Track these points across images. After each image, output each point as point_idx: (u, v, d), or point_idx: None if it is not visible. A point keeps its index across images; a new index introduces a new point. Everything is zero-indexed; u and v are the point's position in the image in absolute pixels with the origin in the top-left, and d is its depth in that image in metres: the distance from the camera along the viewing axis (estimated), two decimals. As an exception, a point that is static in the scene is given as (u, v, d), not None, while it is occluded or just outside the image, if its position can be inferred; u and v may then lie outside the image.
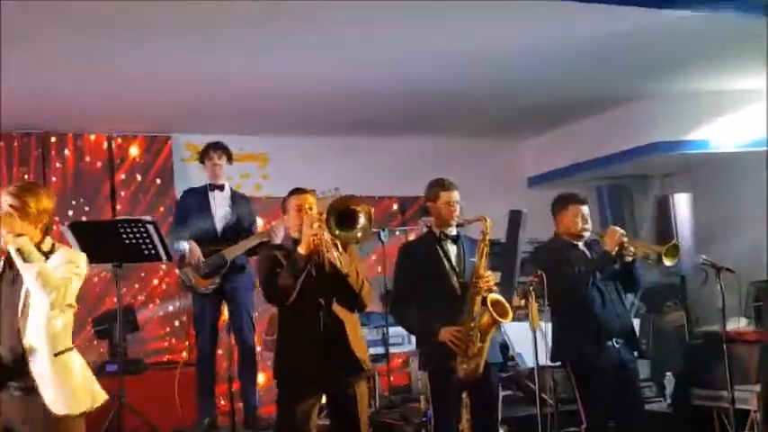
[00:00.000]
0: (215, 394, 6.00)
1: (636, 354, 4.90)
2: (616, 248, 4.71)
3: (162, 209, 7.71)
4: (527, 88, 7.09)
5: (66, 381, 3.49)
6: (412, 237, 6.90)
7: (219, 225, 5.91)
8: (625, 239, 4.72)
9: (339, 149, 8.31)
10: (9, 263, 3.55)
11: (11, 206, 3.52)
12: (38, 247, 3.53)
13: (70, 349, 3.56)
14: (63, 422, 3.45)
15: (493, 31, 5.69)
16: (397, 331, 6.10)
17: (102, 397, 3.66)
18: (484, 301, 4.28)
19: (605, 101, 7.72)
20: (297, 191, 4.24)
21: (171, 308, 7.62)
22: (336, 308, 4.07)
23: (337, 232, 3.91)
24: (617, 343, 4.74)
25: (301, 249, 3.94)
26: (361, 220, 3.95)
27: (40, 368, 3.43)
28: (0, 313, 3.51)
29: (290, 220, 4.21)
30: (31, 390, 3.43)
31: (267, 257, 4.15)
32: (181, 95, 6.82)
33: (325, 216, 3.90)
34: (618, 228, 4.82)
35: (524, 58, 6.27)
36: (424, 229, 6.31)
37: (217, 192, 5.96)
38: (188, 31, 5.40)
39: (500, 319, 4.26)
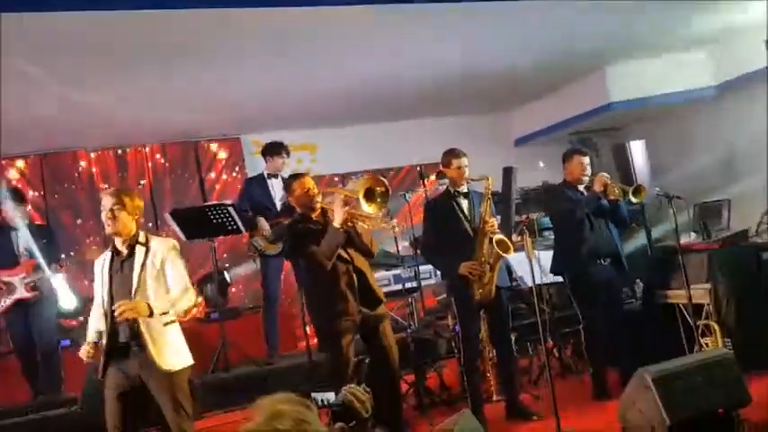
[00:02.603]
0: (277, 326, 5.87)
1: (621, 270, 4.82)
2: (602, 189, 4.62)
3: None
4: (512, 75, 6.98)
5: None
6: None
7: (279, 204, 5.80)
8: (609, 182, 4.64)
9: (370, 134, 8.15)
10: (115, 252, 3.45)
11: (115, 201, 3.39)
12: (135, 239, 3.42)
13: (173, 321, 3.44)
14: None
15: (488, 36, 5.68)
16: (425, 269, 6.02)
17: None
18: (491, 241, 4.21)
19: (569, 77, 7.55)
20: (300, 175, 4.09)
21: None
22: (357, 260, 3.97)
23: (367, 207, 3.83)
24: (604, 261, 4.69)
25: (336, 224, 3.82)
26: (383, 196, 3.85)
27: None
28: (114, 293, 3.38)
29: (296, 199, 4.05)
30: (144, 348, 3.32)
31: (297, 234, 3.99)
32: (247, 104, 6.67)
33: (351, 195, 3.82)
34: (604, 174, 4.74)
35: (510, 55, 6.23)
36: (440, 189, 6.29)
37: (273, 180, 5.86)
38: (241, 54, 5.26)
39: (504, 254, 4.20)
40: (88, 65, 4.93)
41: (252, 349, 5.67)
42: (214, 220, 5.34)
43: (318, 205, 4.00)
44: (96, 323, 3.42)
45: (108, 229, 3.39)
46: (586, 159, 4.77)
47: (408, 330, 5.22)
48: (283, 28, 4.82)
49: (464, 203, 4.42)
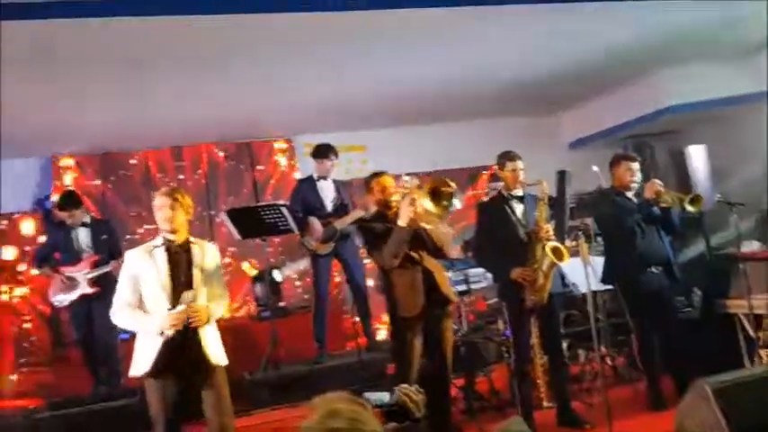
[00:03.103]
0: (326, 326, 5.95)
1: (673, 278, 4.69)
2: (653, 197, 4.50)
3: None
4: (566, 77, 6.87)
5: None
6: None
7: (329, 205, 5.87)
8: (661, 189, 4.49)
9: (420, 136, 8.12)
10: (169, 248, 3.49)
11: (173, 201, 3.47)
12: (189, 242, 3.52)
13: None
14: None
15: (543, 37, 5.61)
16: (476, 272, 5.93)
17: None
18: (545, 247, 4.16)
19: (626, 79, 7.39)
20: (379, 174, 4.10)
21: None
22: (426, 261, 3.97)
23: (433, 208, 3.82)
24: (656, 269, 4.56)
25: (402, 223, 3.82)
26: (449, 198, 3.85)
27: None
28: (175, 287, 3.44)
29: (374, 197, 4.08)
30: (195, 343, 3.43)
31: (369, 232, 4.04)
32: (299, 105, 6.74)
33: (417, 196, 3.81)
34: (657, 180, 4.61)
35: (564, 56, 6.17)
36: (492, 192, 6.24)
37: (323, 181, 5.92)
38: (293, 56, 5.31)
39: (558, 263, 4.14)
40: (144, 69, 5.06)
41: (302, 348, 5.73)
42: (267, 220, 5.43)
43: (395, 203, 3.99)
44: (134, 313, 3.45)
45: (166, 227, 3.47)
46: (635, 165, 4.65)
47: (458, 334, 5.20)
48: (337, 31, 4.87)
49: (518, 207, 4.38)
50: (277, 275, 6.86)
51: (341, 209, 5.86)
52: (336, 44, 5.14)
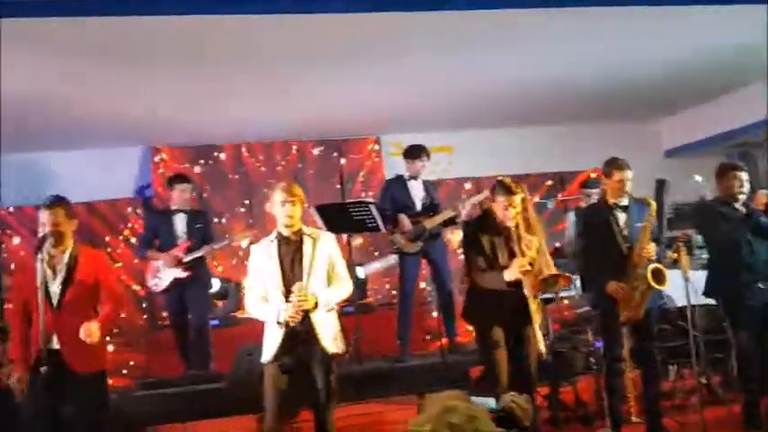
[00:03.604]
0: (411, 325, 6.00)
1: None
2: (764, 207, 4.35)
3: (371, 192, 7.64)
4: (667, 82, 6.73)
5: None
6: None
7: (418, 204, 5.93)
8: None
9: (508, 139, 8.08)
10: (283, 240, 3.62)
11: (293, 197, 3.61)
12: (302, 233, 3.64)
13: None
14: None
15: (643, 41, 5.50)
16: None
17: None
18: (646, 267, 4.06)
19: (729, 86, 7.16)
20: (510, 191, 3.89)
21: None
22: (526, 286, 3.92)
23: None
24: (763, 285, 4.40)
25: (507, 278, 3.83)
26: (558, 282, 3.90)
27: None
28: (287, 279, 3.57)
29: (495, 205, 3.97)
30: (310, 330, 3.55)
31: (472, 240, 4.02)
32: (386, 105, 6.82)
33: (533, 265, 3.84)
34: (766, 191, 4.46)
35: (666, 60, 6.03)
36: (587, 198, 6.10)
37: (413, 181, 5.97)
38: (386, 60, 5.38)
39: (658, 287, 4.05)
40: (235, 68, 5.25)
41: (385, 345, 5.80)
42: (355, 217, 5.51)
43: (512, 228, 3.92)
44: (262, 305, 3.61)
45: (286, 221, 3.60)
46: (744, 175, 4.48)
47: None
48: (425, 32, 4.90)
49: (621, 218, 4.26)
50: (360, 272, 6.95)
51: (431, 208, 5.91)
52: (424, 45, 5.17)
